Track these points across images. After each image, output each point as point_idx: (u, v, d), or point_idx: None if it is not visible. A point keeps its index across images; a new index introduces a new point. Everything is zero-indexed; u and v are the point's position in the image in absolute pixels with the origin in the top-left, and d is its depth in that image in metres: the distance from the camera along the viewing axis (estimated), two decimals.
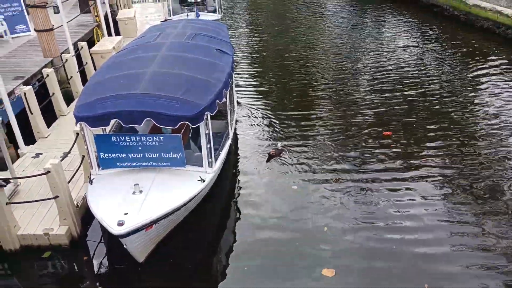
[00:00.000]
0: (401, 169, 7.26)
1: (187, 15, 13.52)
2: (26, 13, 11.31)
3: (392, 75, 11.56)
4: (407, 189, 6.73)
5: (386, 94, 10.40)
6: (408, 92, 10.40)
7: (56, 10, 9.48)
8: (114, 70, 6.22)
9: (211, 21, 10.53)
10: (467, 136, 8.28)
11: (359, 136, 8.43)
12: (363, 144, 8.14)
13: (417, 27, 16.20)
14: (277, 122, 9.20)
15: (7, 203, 5.20)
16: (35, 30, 9.52)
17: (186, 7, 15.04)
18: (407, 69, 11.97)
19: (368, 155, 7.74)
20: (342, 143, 8.21)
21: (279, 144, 8.13)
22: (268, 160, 7.64)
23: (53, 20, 9.93)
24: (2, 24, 10.84)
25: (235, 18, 18.92)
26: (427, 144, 8.00)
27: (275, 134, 8.71)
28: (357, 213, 6.17)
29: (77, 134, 5.79)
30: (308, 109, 9.88)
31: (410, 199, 6.48)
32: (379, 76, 11.51)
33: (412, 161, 7.47)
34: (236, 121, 8.71)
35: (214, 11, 14.88)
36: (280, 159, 7.67)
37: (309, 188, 6.87)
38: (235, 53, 10.14)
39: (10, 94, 7.66)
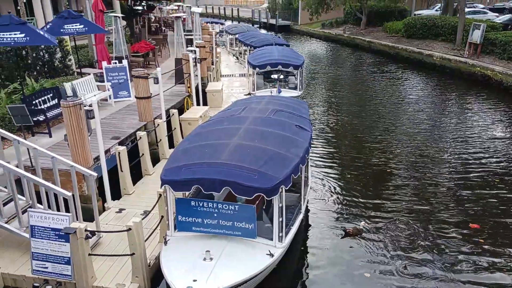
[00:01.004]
0: (490, 269, 6.52)
1: (270, 91, 14.25)
2: (129, 82, 12.87)
3: (480, 167, 10.81)
4: None
5: (473, 185, 9.71)
6: (502, 186, 9.61)
7: (156, 81, 10.61)
8: (201, 139, 6.68)
9: (293, 99, 10.99)
10: None
11: (441, 226, 7.83)
12: (446, 234, 7.53)
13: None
14: (352, 201, 8.96)
15: (89, 254, 5.54)
16: (136, 97, 10.68)
17: (269, 83, 15.91)
18: (501, 163, 11.14)
19: (452, 247, 7.11)
20: (422, 231, 7.68)
21: (362, 223, 7.86)
22: (343, 237, 7.37)
23: (152, 89, 11.09)
24: (108, 90, 12.36)
25: (315, 96, 19.53)
26: None
27: (349, 214, 8.45)
28: None
29: (160, 195, 6.15)
30: (386, 192, 9.53)
31: None
32: (466, 167, 10.84)
33: (504, 261, 6.70)
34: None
35: (295, 88, 15.52)
36: (356, 238, 7.36)
37: (383, 278, 6.40)
38: (313, 129, 10.35)
39: (106, 152, 8.51)
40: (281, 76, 15.69)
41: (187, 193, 6.52)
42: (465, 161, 11.23)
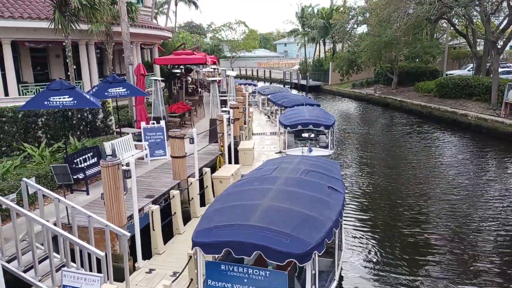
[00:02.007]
0: None
1: (302, 150, 14.32)
2: (166, 141, 13.35)
3: None
4: None
5: None
6: None
7: (191, 141, 10.97)
8: (232, 199, 6.70)
9: (325, 159, 10.97)
10: None
11: None
12: None
13: None
14: (389, 268, 8.53)
15: None
16: (171, 156, 11.00)
17: (300, 142, 16.02)
18: None
19: None
20: None
21: None
22: None
23: (187, 148, 11.41)
24: (145, 149, 12.83)
25: (346, 155, 19.43)
26: None
27: (385, 282, 8.00)
28: None
29: (190, 257, 6.11)
30: (423, 260, 9.03)
31: None
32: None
33: None
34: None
35: (326, 147, 15.52)
36: None
37: None
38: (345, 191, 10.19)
39: (140, 210, 8.66)
40: (312, 135, 15.81)
41: (216, 255, 6.43)
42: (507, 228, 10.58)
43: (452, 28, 32.90)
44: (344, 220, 9.97)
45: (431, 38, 36.81)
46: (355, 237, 10.32)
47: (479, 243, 9.91)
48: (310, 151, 14.54)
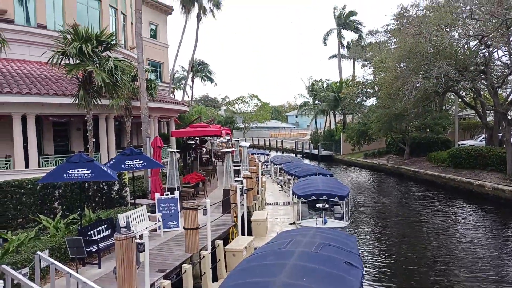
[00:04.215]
0: None
1: (316, 222, 14.07)
2: (179, 212, 13.33)
3: None
4: None
5: None
6: None
7: (205, 212, 10.95)
8: (246, 276, 6.52)
9: (340, 232, 10.74)
10: None
11: None
12: None
13: None
14: None
15: None
16: (184, 228, 10.92)
17: (314, 212, 15.78)
18: None
19: None
20: None
21: None
22: None
23: (200, 219, 11.34)
24: (159, 220, 12.80)
25: (362, 227, 18.96)
26: None
27: None
28: None
29: None
30: None
31: None
32: None
33: None
34: None
35: (341, 218, 15.21)
36: None
37: None
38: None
39: (151, 286, 8.43)
40: (326, 206, 15.60)
41: None
42: None
43: (460, 100, 33.65)
44: None
45: (440, 109, 37.57)
46: None
47: None
48: (325, 222, 14.27)
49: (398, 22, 30.35)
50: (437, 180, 28.81)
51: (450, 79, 24.77)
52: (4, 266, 6.70)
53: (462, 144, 33.97)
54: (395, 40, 32.20)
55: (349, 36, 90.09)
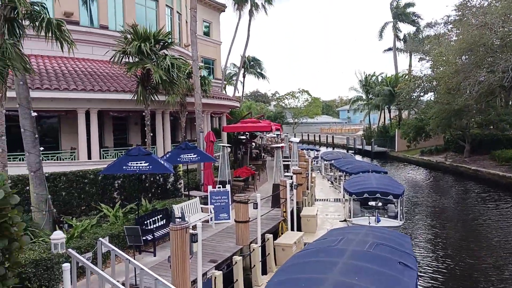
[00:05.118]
0: None
1: (369, 220, 13.72)
2: (230, 204, 13.60)
3: None
4: None
5: None
6: None
7: (255, 206, 11.07)
8: (297, 271, 6.52)
9: (394, 231, 10.38)
10: None
11: None
12: None
13: None
14: None
15: None
16: (235, 221, 11.12)
17: (366, 210, 15.37)
18: None
19: None
20: None
21: None
22: None
23: (250, 212, 11.49)
24: (211, 212, 13.13)
25: (417, 227, 18.21)
26: None
27: None
28: None
29: None
30: None
31: None
32: None
33: None
34: None
35: (395, 217, 14.69)
36: None
37: None
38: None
39: (203, 275, 8.68)
40: (379, 204, 15.13)
41: None
42: None
43: None
44: None
45: (506, 105, 34.98)
46: None
47: None
48: (378, 221, 13.87)
49: (460, 12, 28.59)
50: (501, 180, 26.92)
51: None
52: (70, 250, 7.22)
53: None
54: (456, 32, 30.39)
55: (406, 29, 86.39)
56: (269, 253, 11.45)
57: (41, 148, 11.14)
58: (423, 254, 14.27)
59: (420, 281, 10.77)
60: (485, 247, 14.87)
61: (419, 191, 27.06)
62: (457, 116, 31.62)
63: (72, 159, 17.67)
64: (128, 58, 15.67)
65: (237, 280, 9.34)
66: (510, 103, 36.60)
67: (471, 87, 24.35)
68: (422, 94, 40.74)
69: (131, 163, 9.79)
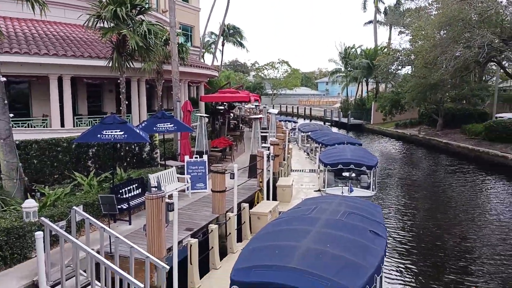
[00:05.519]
0: None
1: (342, 190, 14.07)
2: (207, 175, 13.64)
3: None
4: None
5: None
6: None
7: (232, 176, 11.15)
8: (271, 239, 6.67)
9: (366, 201, 10.71)
10: None
11: None
12: None
13: None
14: None
15: None
16: (212, 190, 11.19)
17: (340, 181, 15.76)
18: None
19: None
20: None
21: None
22: None
23: (227, 183, 11.56)
24: (188, 182, 13.15)
25: (388, 197, 18.83)
26: None
27: None
28: None
29: None
30: None
31: None
32: None
33: None
34: None
35: (368, 188, 15.14)
36: None
37: None
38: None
39: (179, 243, 8.78)
40: (353, 174, 15.51)
41: None
42: None
43: (502, 70, 31.90)
44: (385, 266, 9.59)
45: (479, 80, 35.81)
46: (395, 284, 9.83)
47: None
48: (351, 191, 14.26)
49: None
50: (469, 153, 27.95)
51: (494, 49, 23.40)
52: (43, 218, 7.13)
53: (500, 117, 32.50)
54: (437, 6, 30.45)
55: (388, 1, 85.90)
56: (244, 222, 11.66)
57: (11, 115, 10.74)
58: (393, 223, 14.84)
59: (389, 248, 11.24)
60: (452, 218, 15.57)
61: (392, 163, 27.83)
62: (432, 90, 32.21)
63: (44, 127, 17.17)
64: (103, 23, 15.04)
65: (212, 247, 9.51)
66: (484, 78, 37.50)
67: (447, 62, 24.71)
68: (400, 67, 41.14)
69: (106, 132, 9.60)
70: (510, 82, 40.37)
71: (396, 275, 10.48)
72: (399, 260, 11.50)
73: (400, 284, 9.93)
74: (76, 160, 13.19)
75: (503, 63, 30.75)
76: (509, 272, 10.64)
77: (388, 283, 9.76)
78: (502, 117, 32.34)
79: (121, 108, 15.80)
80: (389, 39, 55.55)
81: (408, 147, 35.32)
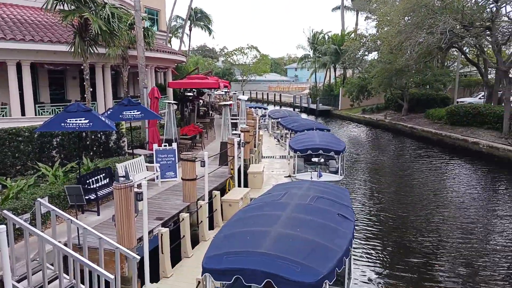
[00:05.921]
0: None
1: (311, 175, 14.30)
2: (177, 163, 13.49)
3: None
4: None
5: None
6: None
7: (202, 164, 11.07)
8: (242, 225, 6.72)
9: (334, 185, 10.95)
10: None
11: None
12: None
13: None
14: None
15: None
16: (182, 179, 11.09)
17: (310, 166, 16.01)
18: None
19: None
20: None
21: None
22: None
23: (197, 171, 11.48)
24: (157, 170, 12.97)
25: (356, 181, 19.32)
26: None
27: None
28: None
29: (199, 282, 6.10)
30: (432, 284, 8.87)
31: None
32: None
33: None
34: None
35: (336, 172, 15.46)
36: None
37: None
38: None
39: (149, 232, 8.68)
40: (322, 160, 15.78)
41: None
42: None
43: (463, 56, 33.09)
44: (353, 248, 9.89)
45: (442, 66, 37.00)
46: (363, 266, 10.18)
47: (490, 271, 9.70)
48: (320, 176, 14.52)
49: None
50: (433, 137, 29.02)
51: (455, 35, 24.18)
52: (5, 211, 6.85)
53: (461, 102, 33.87)
54: None
55: None
56: (216, 209, 11.66)
57: None
58: (360, 206, 15.27)
59: (356, 231, 11.58)
60: (417, 200, 16.19)
61: (360, 148, 28.51)
62: (397, 75, 33.01)
63: (3, 116, 16.39)
64: (63, 5, 14.38)
65: (184, 236, 9.47)
66: (446, 64, 38.77)
67: (411, 48, 25.34)
68: (366, 53, 41.84)
69: (70, 120, 9.27)
70: (470, 68, 41.96)
71: (364, 257, 10.84)
72: (367, 242, 11.89)
73: (368, 265, 10.28)
74: (40, 150, 12.70)
75: (464, 49, 31.87)
76: (470, 247, 11.23)
77: (357, 264, 10.08)
78: (463, 102, 33.72)
79: (85, 95, 15.31)
80: (356, 24, 56.39)
81: (375, 132, 36.24)
